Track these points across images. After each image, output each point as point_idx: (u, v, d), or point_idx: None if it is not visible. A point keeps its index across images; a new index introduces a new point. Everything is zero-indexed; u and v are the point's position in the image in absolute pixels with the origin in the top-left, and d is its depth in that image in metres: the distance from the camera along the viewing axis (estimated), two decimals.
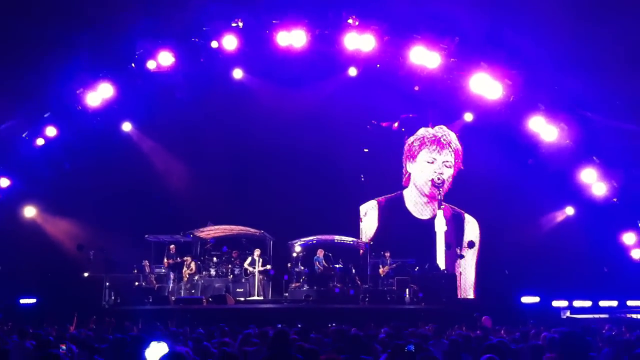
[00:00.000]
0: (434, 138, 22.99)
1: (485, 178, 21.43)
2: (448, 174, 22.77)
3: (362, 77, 21.13)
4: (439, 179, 22.57)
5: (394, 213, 22.80)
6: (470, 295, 21.92)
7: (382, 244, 21.25)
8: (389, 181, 22.98)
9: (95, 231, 20.27)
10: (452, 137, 23.00)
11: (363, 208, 23.01)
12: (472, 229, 22.65)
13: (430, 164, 22.84)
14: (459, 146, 22.94)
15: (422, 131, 23.05)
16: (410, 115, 22.72)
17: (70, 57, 19.20)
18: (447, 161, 22.81)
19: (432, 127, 23.03)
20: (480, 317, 13.78)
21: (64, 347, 7.86)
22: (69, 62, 19.29)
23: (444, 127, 23.06)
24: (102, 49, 19.59)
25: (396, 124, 22.67)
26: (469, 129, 22.26)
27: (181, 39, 19.83)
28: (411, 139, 23.07)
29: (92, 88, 19.94)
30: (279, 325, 11.78)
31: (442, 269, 20.84)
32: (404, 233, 21.81)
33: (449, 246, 21.90)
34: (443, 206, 22.58)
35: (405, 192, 23.05)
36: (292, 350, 6.85)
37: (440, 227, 22.37)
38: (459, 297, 20.27)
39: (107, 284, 18.58)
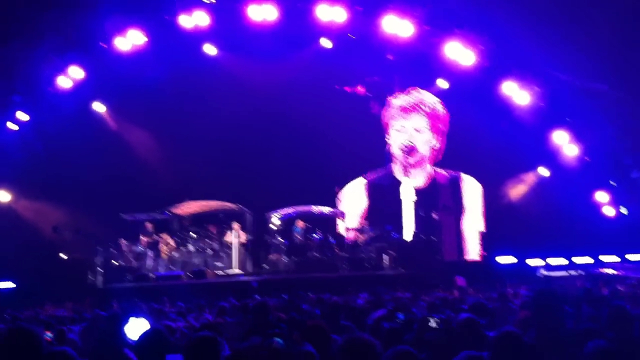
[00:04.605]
0: (402, 105, 22.67)
1: (461, 142, 21.59)
2: (422, 139, 22.52)
3: (337, 47, 20.87)
4: (406, 146, 22.38)
5: (384, 187, 22.52)
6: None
7: (375, 219, 21.32)
8: (371, 154, 22.64)
9: (71, 212, 20.06)
10: (427, 99, 22.61)
11: (349, 187, 22.70)
12: (470, 189, 22.44)
13: (399, 132, 22.62)
14: (438, 109, 22.54)
15: (393, 101, 22.71)
16: (375, 79, 22.48)
17: (39, 38, 18.83)
18: (418, 126, 22.57)
19: (406, 92, 22.72)
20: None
21: (49, 333, 7.80)
22: (37, 43, 18.91)
23: (418, 90, 22.70)
24: (71, 28, 19.23)
25: (359, 88, 22.34)
26: (444, 94, 22.29)
27: (151, 16, 19.49)
28: (385, 110, 22.84)
29: (62, 69, 19.63)
30: (258, 298, 11.80)
31: (408, 237, 20.60)
32: (396, 204, 21.92)
33: (445, 208, 21.72)
34: (410, 173, 22.34)
35: (394, 165, 22.80)
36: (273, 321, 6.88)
37: (408, 195, 22.16)
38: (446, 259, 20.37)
39: (99, 266, 18.44)
